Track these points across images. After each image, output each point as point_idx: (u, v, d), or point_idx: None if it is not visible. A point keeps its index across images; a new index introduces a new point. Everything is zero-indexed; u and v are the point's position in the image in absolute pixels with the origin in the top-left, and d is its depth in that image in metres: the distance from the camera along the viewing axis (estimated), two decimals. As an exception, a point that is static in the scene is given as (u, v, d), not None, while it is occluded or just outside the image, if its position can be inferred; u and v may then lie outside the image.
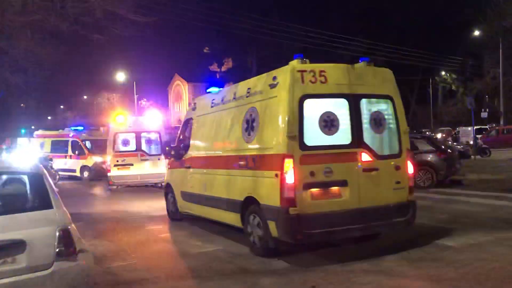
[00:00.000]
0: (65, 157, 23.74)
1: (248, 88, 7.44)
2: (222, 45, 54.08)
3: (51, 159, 21.42)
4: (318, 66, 6.58)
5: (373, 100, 6.92)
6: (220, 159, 8.17)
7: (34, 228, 4.02)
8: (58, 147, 24.42)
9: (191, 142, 9.52)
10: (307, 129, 6.32)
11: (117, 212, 12.28)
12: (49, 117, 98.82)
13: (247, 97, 7.41)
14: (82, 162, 23.10)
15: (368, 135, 6.72)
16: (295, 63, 6.54)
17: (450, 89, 57.87)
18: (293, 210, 6.12)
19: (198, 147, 9.24)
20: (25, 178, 4.43)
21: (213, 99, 8.81)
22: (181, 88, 73.24)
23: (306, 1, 49.74)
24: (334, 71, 6.73)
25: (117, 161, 16.88)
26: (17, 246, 3.88)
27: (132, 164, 16.94)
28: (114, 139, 17.15)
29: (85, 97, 72.55)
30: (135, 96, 55.93)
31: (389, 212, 6.73)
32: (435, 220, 9.01)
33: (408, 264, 6.17)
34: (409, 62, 45.46)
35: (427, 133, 37.15)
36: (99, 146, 24.19)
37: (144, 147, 17.30)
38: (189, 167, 9.40)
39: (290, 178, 6.14)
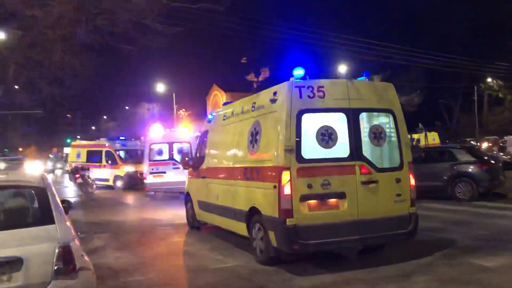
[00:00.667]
0: (99, 166, 24.31)
1: (253, 103, 7.73)
2: (259, 55, 54.20)
3: (88, 169, 21.87)
4: (316, 82, 6.78)
5: (373, 114, 7.10)
6: (229, 170, 8.45)
7: (33, 245, 3.89)
8: (93, 157, 25.05)
9: (206, 153, 9.82)
10: (304, 143, 6.52)
11: (144, 220, 12.34)
12: (93, 127, 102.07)
13: (252, 111, 7.70)
14: (115, 171, 23.60)
15: (367, 148, 6.87)
16: (293, 79, 6.73)
17: (497, 97, 55.60)
18: (290, 221, 6.34)
19: (212, 158, 9.54)
20: (29, 192, 4.33)
21: (225, 112, 9.11)
22: (219, 98, 73.75)
23: (343, 9, 49.11)
24: (332, 86, 6.92)
25: (152, 169, 18.21)
26: (14, 263, 3.76)
27: (165, 172, 18.17)
28: (150, 149, 18.67)
29: (126, 107, 74.31)
30: (174, 106, 56.71)
31: (389, 224, 6.81)
32: (473, 237, 8.38)
33: (438, 286, 5.70)
34: (452, 69, 43.96)
35: (471, 142, 35.54)
36: (132, 156, 24.70)
37: (176, 156, 17.81)
38: (204, 177, 9.70)
39: (287, 190, 6.37)
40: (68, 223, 4.34)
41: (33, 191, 4.32)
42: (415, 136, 38.15)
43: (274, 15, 46.66)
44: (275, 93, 6.95)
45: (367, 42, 38.27)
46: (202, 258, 7.74)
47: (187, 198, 10.93)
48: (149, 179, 18.15)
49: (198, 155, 10.51)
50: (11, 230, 3.96)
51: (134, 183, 23.27)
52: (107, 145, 24.77)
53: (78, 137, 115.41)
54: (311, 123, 6.62)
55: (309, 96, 6.64)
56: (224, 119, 9.10)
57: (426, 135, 32.23)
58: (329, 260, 7.12)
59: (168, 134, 18.82)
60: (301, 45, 39.67)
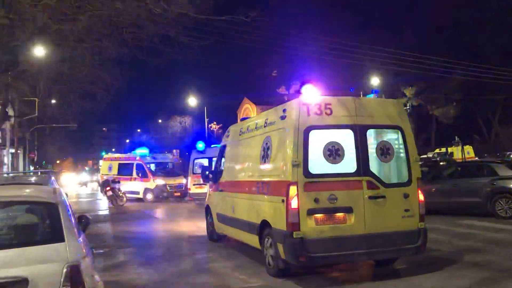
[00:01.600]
0: (130, 179, 24.58)
1: (266, 119, 8.06)
2: (290, 68, 54.07)
3: (118, 181, 22.07)
4: (324, 99, 6.99)
5: (381, 130, 7.28)
6: (243, 184, 8.69)
7: (40, 264, 3.70)
8: (124, 169, 25.36)
9: (224, 167, 10.16)
10: (312, 158, 6.72)
11: (169, 234, 12.20)
12: (127, 140, 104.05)
13: (264, 127, 8.02)
14: (145, 184, 23.78)
15: (374, 164, 7.03)
16: (301, 97, 6.98)
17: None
18: (297, 234, 6.51)
19: (229, 171, 9.81)
20: (40, 208, 4.17)
21: (241, 128, 9.51)
22: (249, 111, 73.92)
23: (377, 21, 48.50)
24: (339, 103, 7.08)
25: (195, 181, 20.25)
26: (19, 284, 3.58)
27: (205, 184, 18.42)
28: (193, 163, 21.04)
29: (159, 120, 75.42)
30: (206, 120, 57.13)
31: (397, 239, 6.88)
32: (515, 259, 7.80)
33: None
34: (491, 80, 42.54)
35: (511, 156, 34.11)
36: (162, 169, 24.87)
37: None
38: (222, 191, 10.03)
39: (294, 203, 6.56)
40: (80, 241, 4.15)
41: (44, 207, 4.15)
42: (448, 149, 37.04)
43: (306, 27, 46.52)
44: (284, 110, 7.27)
45: (401, 53, 37.50)
46: (225, 276, 7.46)
47: (207, 211, 11.21)
48: (192, 190, 20.72)
49: (217, 169, 10.71)
50: (19, 248, 3.79)
51: (164, 196, 23.38)
52: (137, 158, 25.04)
53: (113, 150, 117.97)
54: (319, 139, 6.83)
55: (316, 113, 6.87)
56: (240, 134, 9.45)
57: (462, 148, 31.10)
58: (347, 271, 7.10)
59: (209, 150, 20.47)
60: (333, 58, 39.22)
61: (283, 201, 6.72)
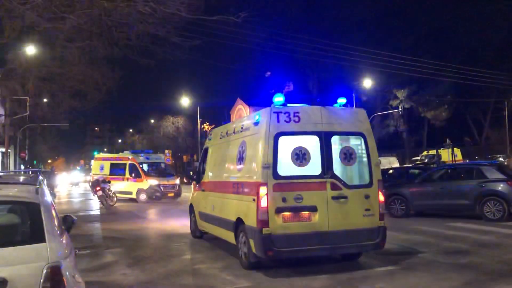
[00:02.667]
0: (123, 179, 24.33)
1: (242, 124, 8.73)
2: (283, 69, 54.11)
3: (109, 182, 21.92)
4: (293, 108, 7.65)
5: (345, 136, 7.86)
6: (222, 184, 9.36)
7: (20, 265, 3.65)
8: (117, 169, 25.09)
9: (206, 168, 10.74)
10: (280, 161, 7.33)
11: (158, 234, 12.09)
12: (119, 140, 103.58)
13: (240, 132, 8.66)
14: (138, 184, 23.58)
15: (338, 167, 7.61)
16: (273, 106, 7.59)
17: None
18: (266, 230, 7.12)
19: (210, 172, 10.44)
20: (21, 208, 4.12)
21: (221, 132, 10.12)
22: (243, 112, 73.80)
23: (369, 24, 48.67)
24: (307, 112, 7.72)
25: None
26: (-3, 285, 3.53)
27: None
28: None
29: (152, 121, 75.15)
30: (198, 120, 57.00)
31: (358, 236, 7.48)
32: (501, 260, 7.84)
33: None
34: (482, 83, 42.83)
35: (499, 159, 34.39)
36: (155, 170, 24.67)
37: None
38: (204, 190, 10.65)
39: (263, 202, 7.17)
40: (62, 241, 4.10)
41: (25, 207, 4.10)
42: (433, 152, 37.34)
43: (299, 29, 46.54)
44: (257, 117, 7.93)
45: (393, 56, 37.66)
46: (213, 277, 7.43)
47: (191, 209, 11.75)
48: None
49: (200, 169, 11.25)
50: (-1, 248, 3.74)
51: (157, 196, 23.24)
52: (130, 157, 24.82)
53: (105, 149, 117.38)
54: (287, 144, 7.43)
55: (285, 121, 7.49)
56: (220, 138, 10.12)
57: (453, 151, 31.35)
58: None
59: None
60: (326, 59, 39.33)
61: (254, 200, 7.34)
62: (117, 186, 23.52)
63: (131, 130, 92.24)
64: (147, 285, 7.10)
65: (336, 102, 8.08)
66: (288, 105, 7.74)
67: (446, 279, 6.69)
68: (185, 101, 56.88)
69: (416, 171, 19.08)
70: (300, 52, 41.80)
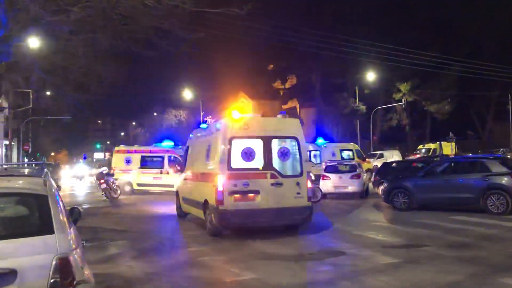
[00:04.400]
0: (161, 172, 23.35)
1: (210, 129, 11.61)
2: (285, 62, 53.91)
3: (113, 175, 21.94)
4: (244, 119, 10.26)
5: (282, 140, 10.37)
6: (195, 175, 12.12)
7: (29, 256, 3.68)
8: (151, 162, 24.14)
9: (187, 161, 13.35)
10: (233, 158, 9.87)
11: (163, 225, 12.12)
12: (122, 133, 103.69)
13: (210, 135, 11.31)
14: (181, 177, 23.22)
15: (276, 162, 10.13)
16: (229, 116, 10.22)
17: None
18: (222, 207, 9.67)
19: (189, 165, 13.03)
20: (30, 200, 4.14)
21: (198, 134, 12.94)
22: (245, 105, 73.82)
23: (373, 17, 48.37)
24: (254, 121, 10.60)
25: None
26: (7, 276, 3.56)
27: None
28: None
29: (154, 114, 75.17)
30: (201, 114, 56.97)
31: (291, 212, 10.07)
32: (505, 254, 7.86)
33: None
34: (485, 77, 42.63)
35: (503, 152, 34.33)
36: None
37: None
38: (185, 179, 13.18)
39: (220, 187, 9.69)
40: (70, 233, 4.13)
41: (34, 199, 4.12)
42: (432, 146, 37.29)
43: (302, 21, 46.28)
44: (219, 124, 10.65)
45: (396, 49, 37.50)
46: (217, 270, 7.49)
47: (177, 195, 14.08)
48: None
49: (183, 163, 13.89)
50: (8, 240, 3.76)
51: None
52: (169, 150, 24.25)
53: (108, 142, 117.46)
54: (238, 145, 9.95)
55: (238, 128, 10.05)
56: (196, 139, 12.83)
57: (456, 144, 31.27)
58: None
59: None
60: (329, 52, 39.15)
61: (214, 185, 9.83)
62: (152, 179, 23.14)
63: (133, 123, 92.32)
64: (152, 277, 7.14)
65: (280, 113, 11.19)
66: (241, 116, 10.25)
67: (450, 273, 6.71)
68: (187, 94, 56.87)
69: (419, 164, 19.06)
70: (303, 45, 41.63)
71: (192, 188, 12.16)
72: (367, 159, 29.60)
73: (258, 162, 9.99)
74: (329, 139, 29.82)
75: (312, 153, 25.23)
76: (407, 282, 6.36)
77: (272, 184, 9.87)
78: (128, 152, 25.52)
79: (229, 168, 9.77)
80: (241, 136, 10.02)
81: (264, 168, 9.94)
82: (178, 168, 14.43)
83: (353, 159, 25.25)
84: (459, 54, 42.18)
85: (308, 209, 10.18)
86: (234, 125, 10.06)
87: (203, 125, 13.61)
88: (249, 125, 10.17)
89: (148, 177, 23.16)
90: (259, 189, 9.82)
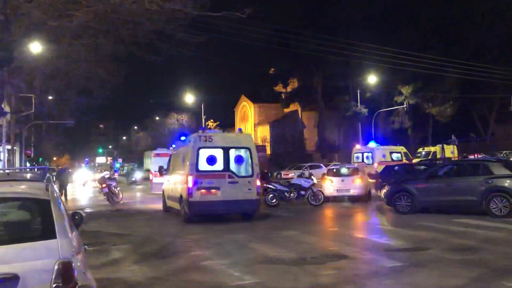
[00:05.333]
0: None
1: (186, 141, 14.74)
2: (287, 65, 53.91)
3: (115, 179, 21.97)
4: (209, 134, 13.87)
5: (237, 149, 13.68)
6: (175, 177, 15.16)
7: (31, 261, 3.68)
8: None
9: (170, 167, 16.70)
10: (200, 163, 13.13)
11: (165, 229, 12.11)
12: (124, 137, 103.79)
13: (185, 146, 14.50)
14: None
15: (232, 166, 13.46)
16: (199, 132, 13.98)
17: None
18: (191, 199, 12.92)
19: (172, 169, 16.21)
20: (32, 205, 4.14)
21: (177, 146, 16.71)
22: (247, 109, 73.87)
23: (375, 19, 48.40)
24: (217, 136, 13.89)
25: None
26: (10, 281, 3.55)
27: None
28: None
29: (157, 118, 75.25)
30: (203, 118, 57.02)
31: (243, 204, 13.32)
32: (509, 257, 7.82)
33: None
34: (487, 79, 42.58)
35: (505, 155, 34.28)
36: None
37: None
38: (169, 181, 16.29)
39: (190, 184, 12.91)
40: (72, 238, 4.12)
41: (36, 204, 4.12)
42: (432, 149, 37.92)
43: (303, 25, 46.32)
44: (189, 138, 14.22)
45: (398, 52, 37.48)
46: (220, 274, 7.45)
47: (163, 193, 17.21)
48: None
49: (168, 167, 17.06)
50: (10, 245, 3.76)
51: None
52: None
53: (110, 146, 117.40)
54: (204, 153, 13.23)
55: (204, 141, 13.34)
56: (178, 148, 16.40)
57: (458, 146, 31.50)
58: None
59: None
60: (330, 55, 39.17)
61: (186, 183, 13.05)
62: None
63: (135, 127, 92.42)
64: (155, 282, 7.11)
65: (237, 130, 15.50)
66: (207, 131, 14.25)
67: (454, 276, 6.68)
68: (189, 98, 56.94)
69: (422, 167, 19.02)
70: (304, 48, 41.61)
71: (173, 187, 15.24)
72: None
73: (219, 166, 13.25)
74: (380, 142, 32.98)
75: (365, 154, 28.75)
76: (410, 285, 6.33)
77: (229, 182, 13.15)
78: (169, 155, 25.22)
79: (197, 170, 13.00)
80: (206, 146, 13.26)
81: (224, 170, 13.23)
82: (164, 172, 17.19)
83: (401, 160, 27.98)
84: (461, 56, 42.14)
85: (257, 201, 13.59)
86: (202, 138, 13.35)
87: (182, 138, 16.19)
88: (213, 139, 13.46)
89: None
90: (220, 186, 13.06)
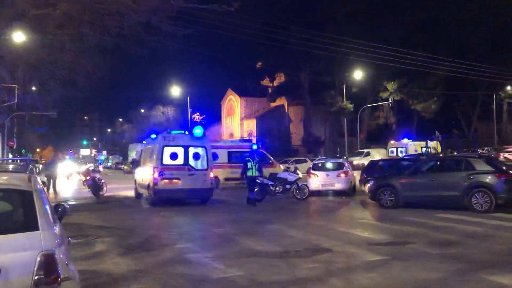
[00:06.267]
0: None
1: (155, 139, 17.12)
2: (274, 60, 53.90)
3: (99, 171, 21.79)
4: (172, 135, 16.66)
5: (195, 147, 16.43)
6: (145, 168, 17.73)
7: (13, 253, 3.63)
8: (238, 157, 24.30)
9: (141, 160, 19.63)
10: (164, 158, 15.89)
11: (149, 221, 12.04)
12: (109, 130, 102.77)
13: (153, 143, 17.03)
14: (270, 170, 23.79)
15: (191, 161, 16.26)
16: (165, 133, 17.09)
17: (517, 105, 54.47)
18: (156, 187, 15.77)
19: (142, 162, 19.14)
20: (14, 196, 4.08)
21: (147, 143, 19.27)
22: (233, 102, 73.74)
23: (360, 16, 48.58)
24: (178, 136, 16.62)
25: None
26: (-10, 273, 3.51)
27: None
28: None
29: (142, 110, 74.65)
30: (189, 111, 56.77)
31: (199, 191, 16.21)
32: (490, 251, 7.96)
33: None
34: (471, 77, 43.12)
35: (487, 151, 35.04)
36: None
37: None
38: (140, 172, 18.93)
39: (156, 175, 15.73)
40: (55, 229, 4.09)
41: (18, 195, 4.07)
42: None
43: (290, 20, 46.29)
44: (156, 137, 17.00)
45: (383, 48, 37.73)
46: (204, 266, 7.46)
47: (135, 182, 19.73)
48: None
49: (139, 160, 20.34)
50: (-9, 236, 3.71)
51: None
52: (260, 146, 26.15)
53: (95, 138, 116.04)
54: (168, 150, 16.04)
55: (168, 140, 16.23)
56: (147, 145, 18.93)
57: (442, 143, 32.21)
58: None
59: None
60: (316, 50, 39.25)
61: (153, 174, 15.84)
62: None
63: (120, 120, 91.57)
64: (139, 274, 7.09)
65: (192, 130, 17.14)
66: (172, 132, 17.01)
67: (436, 269, 6.79)
68: (175, 90, 56.59)
69: (406, 162, 19.21)
70: (291, 43, 41.64)
71: (143, 177, 17.76)
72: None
73: (180, 160, 16.11)
74: (412, 138, 37.69)
75: (399, 149, 33.47)
76: (393, 279, 6.42)
77: (188, 174, 16.01)
78: (213, 148, 25.94)
79: (162, 164, 15.88)
80: (170, 145, 16.18)
81: (184, 164, 16.11)
82: (137, 165, 20.22)
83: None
84: (446, 54, 42.60)
85: (210, 190, 16.58)
86: (166, 138, 16.35)
87: (153, 136, 18.15)
88: (175, 138, 16.40)
89: (238, 171, 23.62)
90: (180, 177, 15.93)
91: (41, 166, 34.34)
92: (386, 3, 48.53)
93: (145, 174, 17.01)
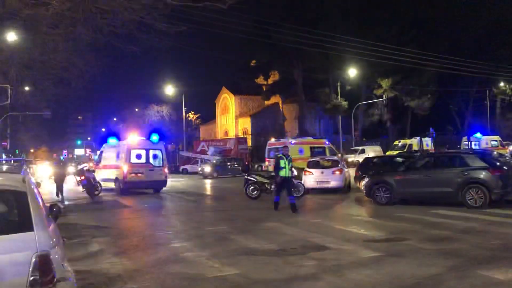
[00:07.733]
0: None
1: (119, 143, 23.20)
2: (268, 57, 53.85)
3: (94, 171, 21.75)
4: (138, 139, 22.72)
5: (154, 150, 22.32)
6: (110, 165, 23.26)
7: (8, 254, 3.61)
8: (318, 153, 26.22)
9: (102, 159, 24.91)
10: (131, 157, 21.64)
11: (144, 221, 12.01)
12: (103, 129, 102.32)
13: (118, 147, 22.98)
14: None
15: (151, 160, 22.19)
16: (130, 136, 23.39)
17: (510, 101, 54.78)
18: (125, 180, 21.39)
19: (104, 161, 24.49)
20: (8, 197, 4.05)
21: (109, 145, 24.33)
22: (228, 100, 73.65)
23: (353, 12, 48.62)
24: (141, 141, 22.61)
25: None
26: (-15, 273, 3.49)
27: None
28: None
29: (136, 109, 74.37)
30: (184, 109, 56.62)
31: (157, 183, 22.23)
32: (484, 247, 8.00)
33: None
34: (464, 73, 43.29)
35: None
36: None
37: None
38: (101, 169, 24.12)
39: (125, 171, 21.38)
40: (50, 230, 4.07)
41: (12, 196, 4.04)
42: (408, 141, 40.38)
43: (284, 17, 46.26)
44: (124, 142, 22.52)
45: (377, 45, 37.78)
46: (200, 265, 7.45)
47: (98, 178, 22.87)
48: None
49: (100, 159, 25.31)
50: (-15, 237, 3.68)
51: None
52: (327, 143, 28.08)
53: (89, 138, 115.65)
54: (134, 152, 21.67)
55: (134, 144, 21.91)
56: (109, 148, 24.11)
57: (434, 140, 33.08)
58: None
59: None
60: (311, 48, 39.25)
61: (122, 170, 21.27)
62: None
63: (114, 119, 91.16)
64: (135, 274, 7.08)
65: (150, 137, 22.86)
66: (135, 138, 22.51)
67: (431, 265, 6.82)
68: (170, 89, 56.43)
69: (400, 159, 19.27)
70: (285, 41, 41.62)
71: (108, 172, 22.93)
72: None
73: (143, 160, 21.53)
74: (484, 133, 39.37)
75: (473, 142, 35.40)
76: (389, 275, 6.44)
77: (149, 170, 21.50)
78: (297, 143, 27.83)
79: (129, 162, 21.16)
80: (135, 147, 21.52)
81: (146, 162, 21.61)
82: (97, 163, 25.32)
83: (497, 147, 34.12)
84: (439, 50, 42.73)
85: (164, 181, 22.18)
86: (132, 142, 21.78)
87: (113, 140, 23.99)
88: (139, 143, 21.95)
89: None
90: (143, 172, 21.35)
91: (34, 166, 34.21)
92: (379, 0, 48.59)
93: (111, 170, 22.57)
